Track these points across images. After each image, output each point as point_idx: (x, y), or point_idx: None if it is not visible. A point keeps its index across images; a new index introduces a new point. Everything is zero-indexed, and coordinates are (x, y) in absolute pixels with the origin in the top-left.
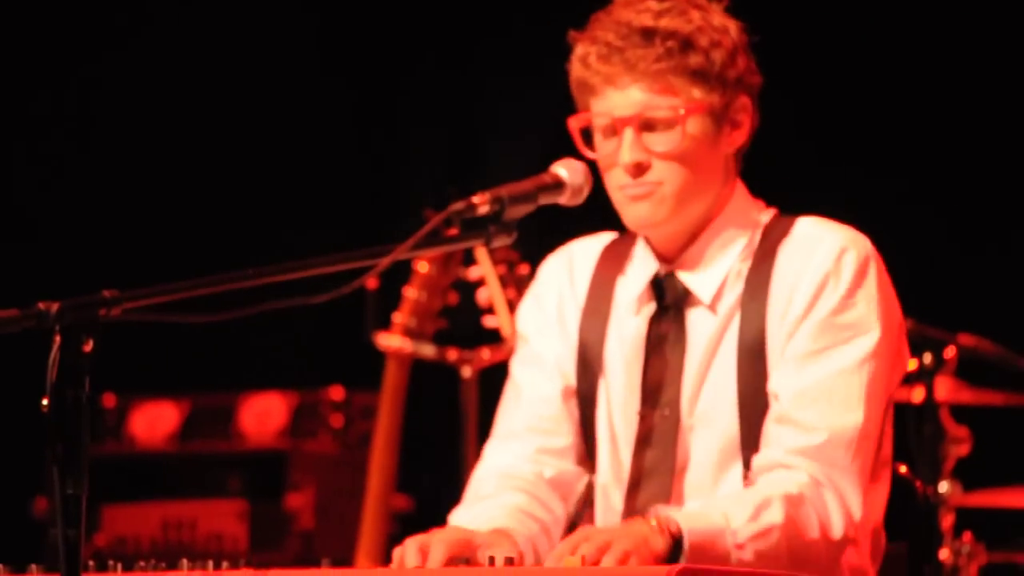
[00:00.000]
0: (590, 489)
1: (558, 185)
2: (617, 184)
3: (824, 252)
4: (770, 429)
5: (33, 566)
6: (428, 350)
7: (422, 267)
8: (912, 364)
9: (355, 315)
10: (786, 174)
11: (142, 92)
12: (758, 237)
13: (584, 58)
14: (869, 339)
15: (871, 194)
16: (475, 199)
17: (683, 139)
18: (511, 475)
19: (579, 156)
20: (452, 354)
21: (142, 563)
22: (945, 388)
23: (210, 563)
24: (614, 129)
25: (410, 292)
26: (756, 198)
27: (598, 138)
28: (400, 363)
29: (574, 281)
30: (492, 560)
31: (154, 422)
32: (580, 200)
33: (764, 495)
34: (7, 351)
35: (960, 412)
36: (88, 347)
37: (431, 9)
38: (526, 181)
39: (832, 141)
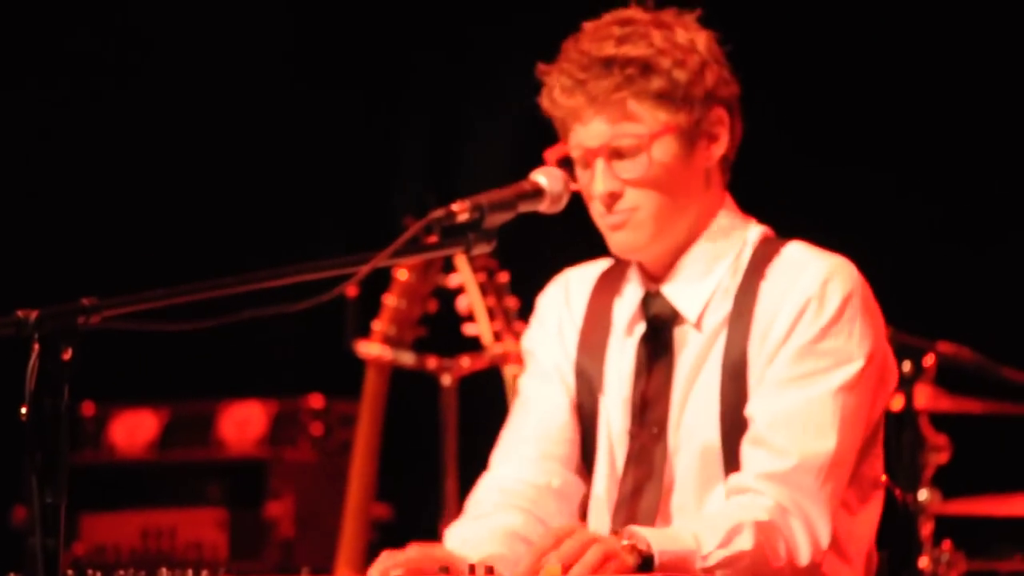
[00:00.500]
0: (584, 503)
1: (537, 193)
2: (597, 214)
3: (809, 278)
4: (745, 451)
5: (12, 575)
6: (408, 358)
7: (402, 275)
8: None
9: (335, 323)
10: (769, 182)
11: (126, 98)
12: (747, 254)
13: (550, 93)
14: (850, 369)
15: (852, 200)
16: (454, 207)
17: (650, 165)
18: (513, 491)
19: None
20: (432, 362)
21: (121, 572)
22: (924, 396)
23: (189, 572)
24: (587, 161)
25: (390, 300)
26: (747, 215)
27: (577, 169)
28: (380, 371)
29: (571, 306)
30: (472, 569)
31: (133, 430)
32: (560, 208)
33: (735, 520)
34: None
35: (939, 420)
36: (67, 355)
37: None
38: (505, 189)
39: (814, 149)
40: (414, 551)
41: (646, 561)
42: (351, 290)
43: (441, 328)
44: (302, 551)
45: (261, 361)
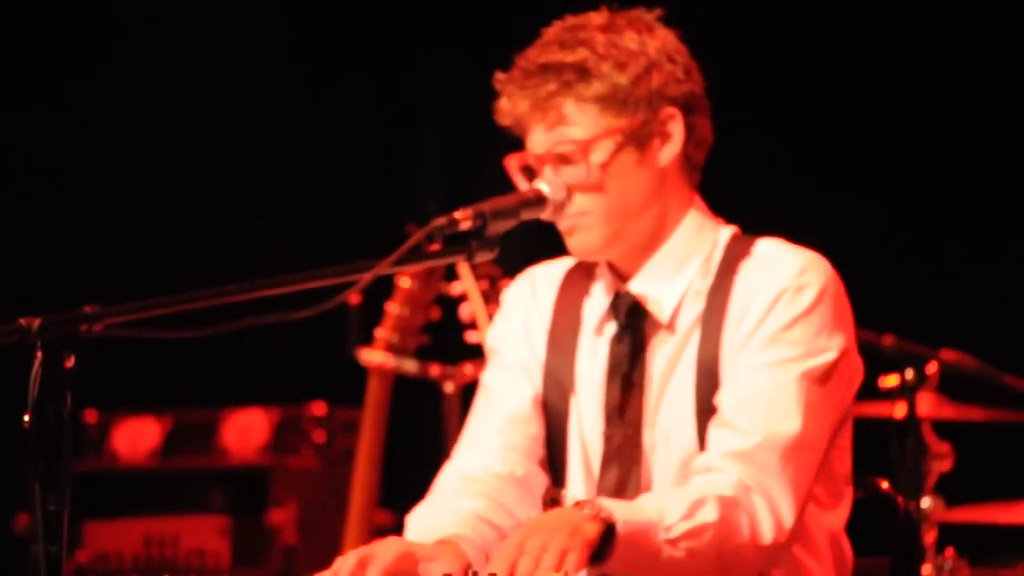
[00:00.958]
0: (546, 495)
1: (540, 200)
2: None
3: (784, 271)
4: (710, 433)
5: None
6: (411, 365)
7: (404, 283)
8: (894, 380)
9: (337, 331)
10: (763, 194)
11: (125, 103)
12: (718, 255)
13: (500, 102)
14: (819, 360)
15: (854, 211)
16: (457, 214)
17: (591, 169)
18: (476, 478)
19: None
20: (435, 369)
21: None
22: (927, 404)
23: None
24: (537, 168)
25: (392, 308)
26: (716, 215)
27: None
28: (383, 379)
29: (539, 303)
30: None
31: (136, 438)
32: (562, 216)
33: (699, 494)
34: None
35: (942, 428)
36: (70, 363)
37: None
38: (508, 196)
39: (815, 161)
40: (383, 544)
41: (608, 529)
42: (354, 298)
43: (444, 336)
44: (305, 558)
45: (264, 369)
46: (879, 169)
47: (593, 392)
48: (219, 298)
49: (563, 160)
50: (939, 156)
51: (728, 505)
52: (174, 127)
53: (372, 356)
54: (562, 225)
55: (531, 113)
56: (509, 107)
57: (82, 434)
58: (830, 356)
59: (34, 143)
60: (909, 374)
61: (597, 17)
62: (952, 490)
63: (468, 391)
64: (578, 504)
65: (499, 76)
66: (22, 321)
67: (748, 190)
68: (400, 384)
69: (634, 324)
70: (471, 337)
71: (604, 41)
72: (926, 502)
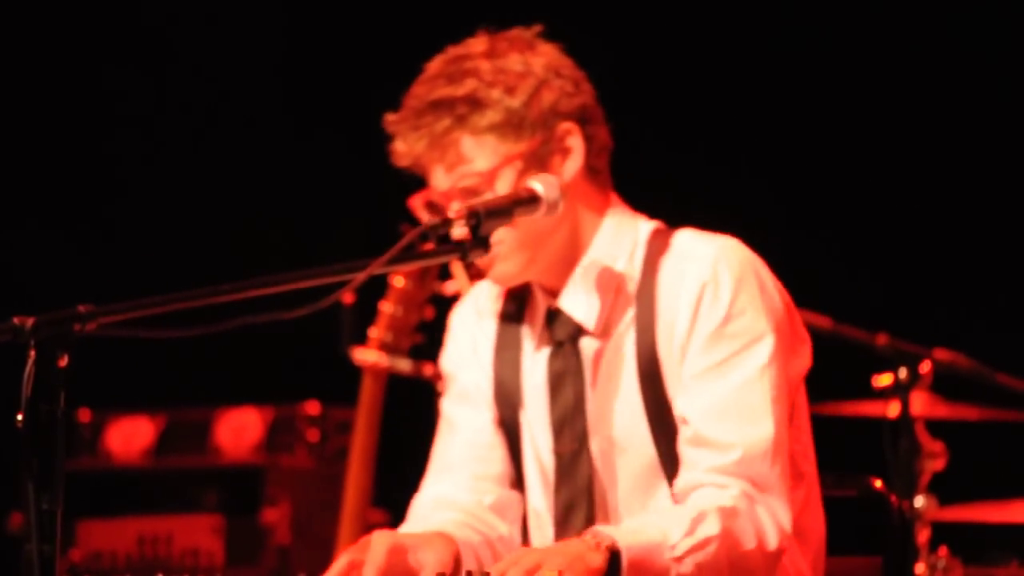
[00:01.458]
0: (526, 515)
1: (534, 199)
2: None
3: (699, 264)
4: (686, 452)
5: None
6: (404, 365)
7: (398, 282)
8: (888, 379)
9: (331, 330)
10: (760, 196)
11: (122, 102)
12: (640, 254)
13: (395, 144)
14: (763, 345)
15: (849, 211)
16: (451, 214)
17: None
18: (449, 501)
19: None
20: (428, 369)
21: None
22: (921, 403)
23: None
24: (444, 205)
25: (386, 307)
26: (636, 211)
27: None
28: (376, 378)
29: (481, 319)
30: (469, 574)
31: (130, 437)
32: (556, 215)
33: (699, 509)
34: None
35: (936, 427)
36: (63, 362)
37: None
38: (502, 196)
39: (808, 160)
40: (374, 537)
41: (614, 557)
42: (347, 297)
43: (438, 335)
44: (298, 557)
45: (257, 368)
46: (872, 169)
47: (540, 408)
48: (213, 297)
49: (469, 193)
50: (934, 156)
51: (729, 515)
52: (168, 127)
53: (366, 355)
54: (480, 260)
55: (429, 152)
56: (405, 148)
57: (75, 433)
58: (771, 338)
59: (25, 140)
60: (903, 373)
61: (478, 44)
62: (945, 489)
63: None
64: (579, 535)
65: (390, 117)
66: (16, 320)
67: (741, 191)
68: (394, 383)
69: (568, 338)
70: None
71: (490, 68)
72: (919, 501)
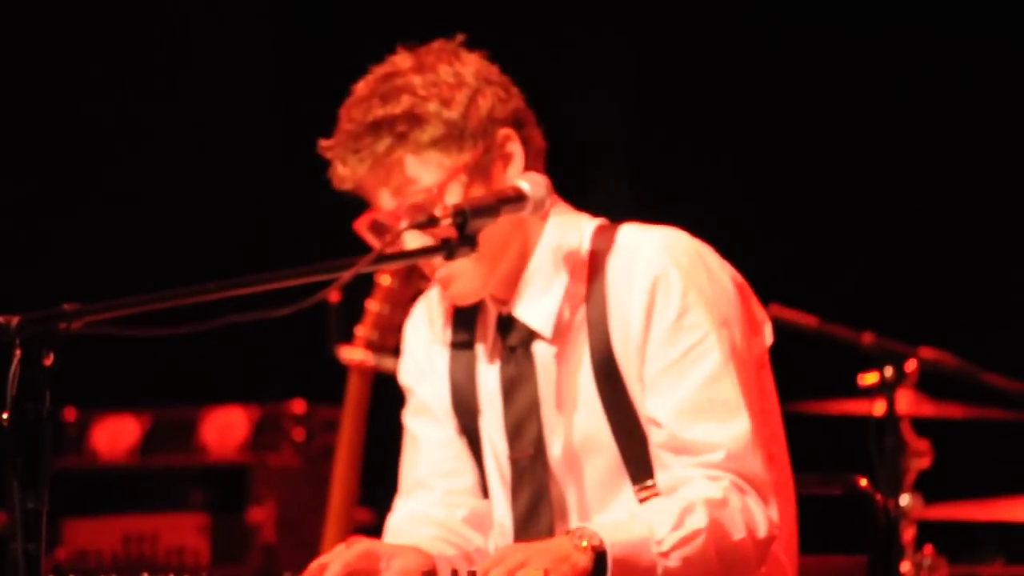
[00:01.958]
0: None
1: (520, 198)
2: (427, 274)
3: (647, 259)
4: (666, 458)
5: None
6: (390, 363)
7: (384, 280)
8: (873, 377)
9: (317, 328)
10: (743, 196)
11: (110, 98)
12: (586, 251)
13: (335, 169)
14: (721, 334)
15: (835, 210)
16: (437, 212)
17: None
18: (423, 517)
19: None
20: None
21: None
22: (906, 401)
23: None
24: (393, 225)
25: (372, 305)
26: (580, 210)
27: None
28: (362, 376)
29: (434, 326)
30: (455, 573)
31: (115, 436)
32: (542, 213)
33: (687, 501)
34: None
35: (921, 425)
36: (49, 361)
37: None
38: (488, 194)
39: (798, 157)
40: (344, 546)
41: (600, 557)
42: (334, 295)
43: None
44: (284, 556)
45: (243, 366)
46: (858, 168)
47: (496, 415)
48: (198, 296)
49: (417, 210)
50: (919, 155)
51: (716, 506)
52: (155, 124)
53: (352, 354)
54: (437, 276)
55: (372, 174)
56: (347, 172)
57: (61, 432)
58: (727, 327)
59: (12, 142)
60: (888, 371)
61: (404, 60)
62: (931, 487)
63: None
64: (566, 533)
65: (325, 143)
66: (0, 319)
67: (725, 191)
68: (380, 382)
69: (521, 344)
70: None
71: (422, 82)
72: (905, 499)
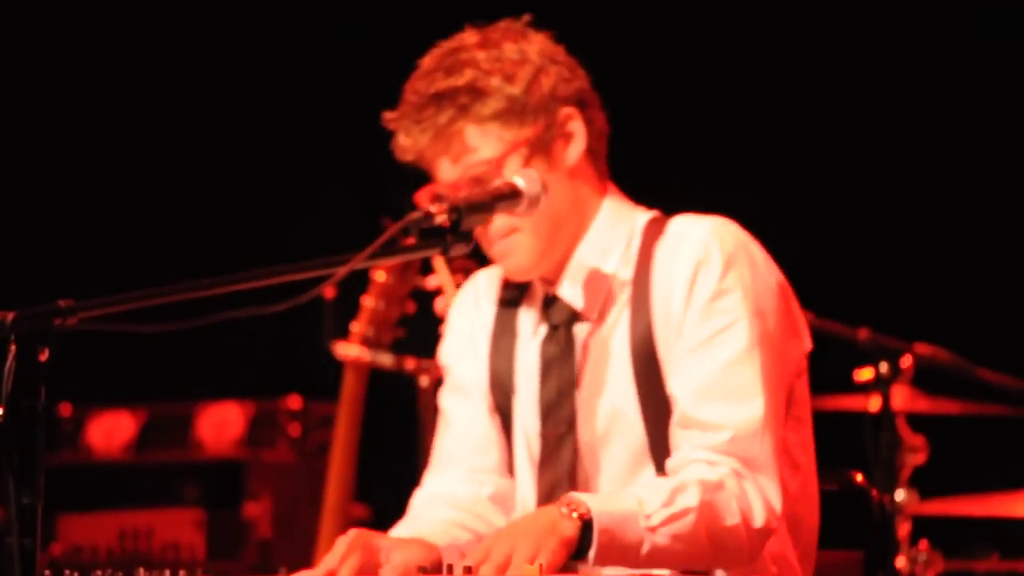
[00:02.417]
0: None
1: (515, 194)
2: (485, 247)
3: (692, 244)
4: (677, 434)
5: None
6: (386, 359)
7: (380, 276)
8: (869, 373)
9: (313, 324)
10: (740, 189)
11: (105, 95)
12: (636, 242)
13: (398, 139)
14: (753, 323)
15: (830, 205)
16: (432, 208)
17: None
18: (447, 496)
19: None
20: (410, 363)
21: (99, 572)
22: (902, 397)
23: (167, 572)
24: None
25: (368, 301)
26: (637, 202)
27: None
28: (358, 372)
29: (480, 307)
30: (450, 568)
31: (111, 431)
32: (536, 210)
33: (680, 480)
34: None
35: (917, 421)
36: (44, 356)
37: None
38: (482, 190)
39: (791, 154)
40: (346, 539)
41: (587, 525)
42: (329, 291)
43: (419, 329)
44: (280, 552)
45: (239, 362)
46: (854, 163)
47: (530, 395)
48: (194, 292)
49: (477, 182)
50: (914, 150)
51: (710, 488)
52: (150, 121)
53: (347, 350)
54: (493, 251)
55: (433, 145)
56: (410, 142)
57: (56, 428)
58: (761, 316)
59: (10, 140)
60: (884, 367)
61: (470, 37)
62: (926, 483)
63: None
64: (557, 502)
65: (389, 114)
66: None
67: (723, 183)
68: (375, 378)
69: (563, 324)
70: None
71: (486, 57)
72: (900, 495)
